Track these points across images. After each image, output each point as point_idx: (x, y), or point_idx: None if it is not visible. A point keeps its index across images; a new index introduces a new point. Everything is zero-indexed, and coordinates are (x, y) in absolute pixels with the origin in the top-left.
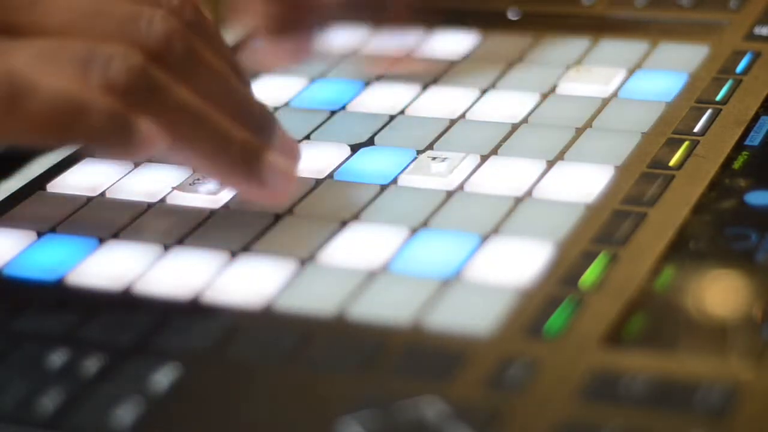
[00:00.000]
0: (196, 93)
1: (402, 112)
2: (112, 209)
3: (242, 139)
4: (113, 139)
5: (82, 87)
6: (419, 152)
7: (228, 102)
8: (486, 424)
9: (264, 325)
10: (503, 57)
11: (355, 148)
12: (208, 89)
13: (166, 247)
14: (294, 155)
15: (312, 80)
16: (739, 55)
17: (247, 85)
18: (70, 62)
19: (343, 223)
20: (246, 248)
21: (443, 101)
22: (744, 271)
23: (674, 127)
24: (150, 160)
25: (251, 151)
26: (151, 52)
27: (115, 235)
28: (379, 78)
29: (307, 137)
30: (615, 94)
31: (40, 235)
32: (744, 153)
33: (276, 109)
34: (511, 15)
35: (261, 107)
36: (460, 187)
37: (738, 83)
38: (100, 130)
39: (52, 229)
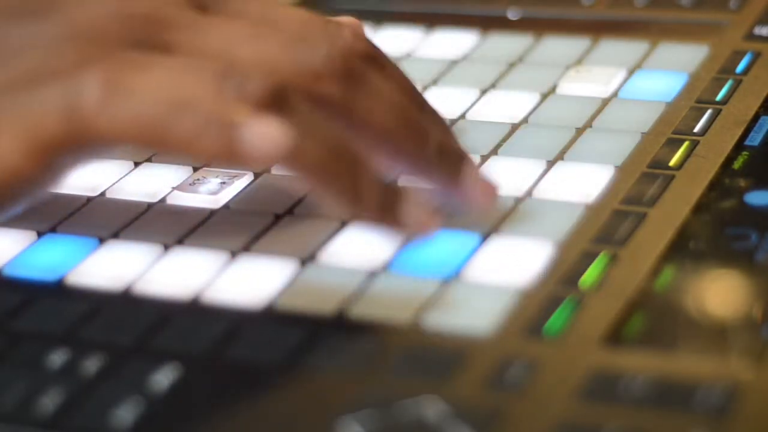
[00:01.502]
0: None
1: None
2: (112, 209)
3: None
4: (212, 147)
5: (186, 89)
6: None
7: (394, 118)
8: (486, 424)
9: (264, 325)
10: (503, 57)
11: None
12: (371, 108)
13: (166, 247)
14: (487, 196)
15: None
16: (739, 55)
17: (427, 113)
18: (207, 79)
19: (343, 223)
20: (246, 248)
21: (443, 101)
22: (744, 271)
23: (674, 127)
24: (150, 160)
25: (392, 190)
26: (310, 77)
27: (115, 235)
28: None
29: None
30: (615, 94)
31: (40, 235)
32: (744, 153)
33: None
34: (511, 15)
35: (451, 143)
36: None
37: (738, 83)
38: (196, 137)
39: (52, 229)
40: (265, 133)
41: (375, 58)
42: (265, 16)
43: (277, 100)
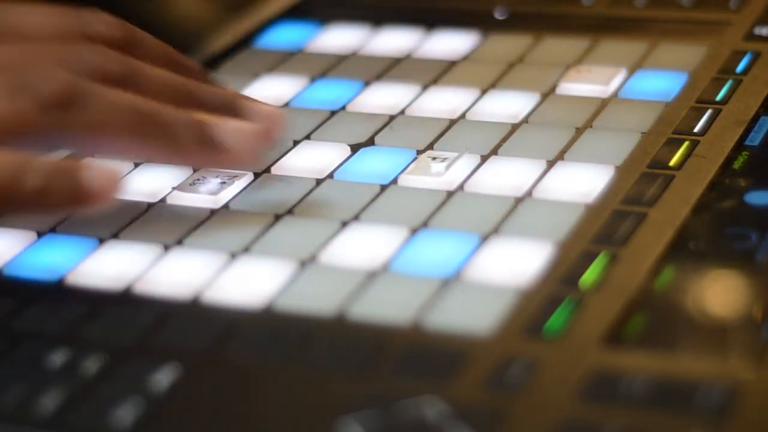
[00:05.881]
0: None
1: (402, 112)
2: (112, 209)
3: (183, 119)
4: (62, 197)
5: (18, 155)
6: (419, 152)
7: (172, 94)
8: (486, 424)
9: (264, 325)
10: (503, 57)
11: (355, 148)
12: (148, 90)
13: (166, 247)
14: (269, 118)
15: (312, 80)
16: (739, 55)
17: (197, 75)
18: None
19: (343, 223)
20: (246, 248)
21: (443, 101)
22: (744, 271)
23: (674, 127)
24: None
25: (196, 127)
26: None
27: (115, 235)
28: (379, 78)
29: (307, 137)
30: (615, 94)
31: (40, 235)
32: (744, 153)
33: None
34: (498, 14)
35: (214, 90)
36: (460, 187)
37: (738, 83)
38: (44, 194)
39: (52, 229)
40: (103, 172)
41: (133, 40)
42: (18, 27)
43: (70, 96)
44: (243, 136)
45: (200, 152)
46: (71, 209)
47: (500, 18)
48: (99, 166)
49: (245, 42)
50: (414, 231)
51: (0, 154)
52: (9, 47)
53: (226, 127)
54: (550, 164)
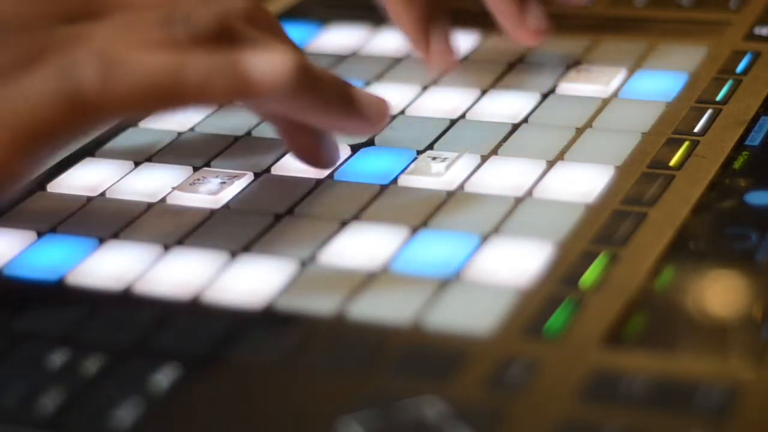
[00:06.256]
0: None
1: (402, 112)
2: (112, 209)
3: (334, 79)
4: (227, 87)
5: (176, 52)
6: (419, 152)
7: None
8: (486, 424)
9: (264, 325)
10: (503, 57)
11: (355, 148)
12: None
13: (166, 247)
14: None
15: None
16: (739, 55)
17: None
18: (152, 27)
19: (343, 223)
20: (246, 248)
21: (443, 101)
22: (744, 271)
23: (674, 127)
24: (150, 160)
25: (341, 85)
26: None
27: (115, 235)
28: (379, 78)
29: None
30: (615, 94)
31: (40, 235)
32: (744, 153)
33: None
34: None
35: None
36: (460, 187)
37: (738, 83)
38: (207, 85)
39: (52, 229)
40: (270, 57)
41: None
42: None
43: (226, 31)
44: (379, 104)
45: (341, 111)
46: (236, 99)
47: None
48: (260, 55)
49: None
50: (414, 231)
51: (158, 54)
52: None
53: (365, 94)
54: (550, 164)
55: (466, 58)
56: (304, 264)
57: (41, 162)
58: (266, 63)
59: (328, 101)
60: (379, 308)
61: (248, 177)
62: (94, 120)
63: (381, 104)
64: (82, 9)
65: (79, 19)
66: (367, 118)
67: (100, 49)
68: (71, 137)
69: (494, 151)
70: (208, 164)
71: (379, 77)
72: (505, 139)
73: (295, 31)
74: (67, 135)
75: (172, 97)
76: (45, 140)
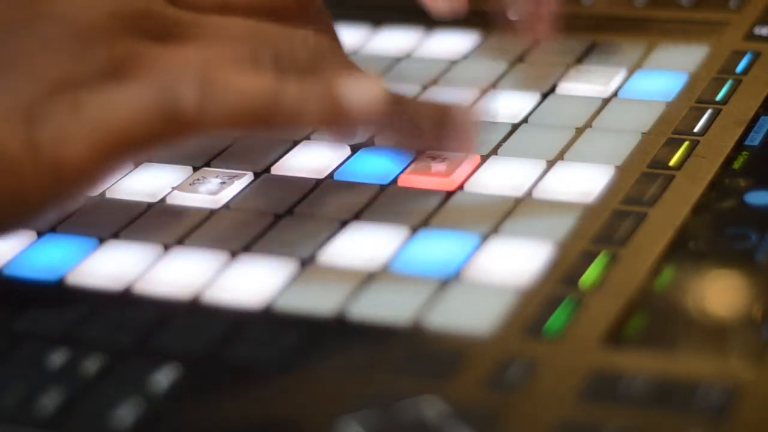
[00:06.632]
0: None
1: None
2: (112, 209)
3: (425, 105)
4: (317, 111)
5: (273, 79)
6: (419, 152)
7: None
8: (486, 424)
9: (264, 325)
10: (503, 57)
11: (355, 148)
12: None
13: (166, 247)
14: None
15: None
16: (739, 55)
17: None
18: (245, 58)
19: (343, 223)
20: (246, 248)
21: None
22: (744, 271)
23: (674, 127)
24: (150, 160)
25: (437, 111)
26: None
27: (115, 235)
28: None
29: (307, 137)
30: (615, 94)
31: (40, 235)
32: (744, 153)
33: None
34: (512, 15)
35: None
36: (460, 187)
37: (738, 83)
38: (300, 108)
39: (52, 229)
40: (363, 85)
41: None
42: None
43: (311, 65)
44: (470, 123)
45: (434, 137)
46: (329, 124)
47: (514, 19)
48: (353, 82)
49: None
50: (414, 231)
51: (256, 78)
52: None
53: (462, 115)
54: (550, 164)
55: (466, 58)
56: (304, 264)
57: (120, 170)
58: (359, 89)
59: (417, 127)
60: (379, 308)
61: (248, 177)
62: (186, 135)
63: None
64: (166, 30)
65: (162, 39)
66: (462, 142)
67: (200, 69)
68: (158, 149)
69: (494, 151)
70: (208, 164)
71: (379, 77)
72: (505, 139)
73: None
74: (155, 147)
75: (267, 120)
76: (132, 149)
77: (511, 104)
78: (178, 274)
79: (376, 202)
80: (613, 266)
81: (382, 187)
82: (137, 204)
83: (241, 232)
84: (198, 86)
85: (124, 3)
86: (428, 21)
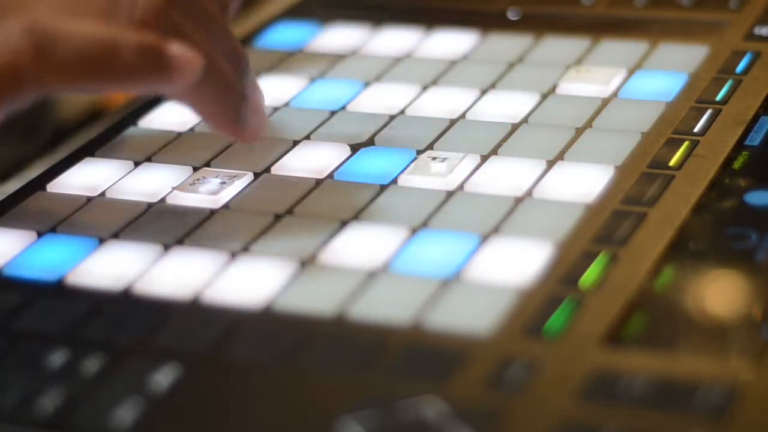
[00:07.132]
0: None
1: (402, 112)
2: (112, 209)
3: (237, 83)
4: (150, 70)
5: (110, 27)
6: (419, 152)
7: (225, 46)
8: (486, 424)
9: (264, 325)
10: (503, 57)
11: (355, 148)
12: (208, 32)
13: (166, 247)
14: (261, 92)
15: (312, 80)
16: (739, 55)
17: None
18: (95, 7)
19: (343, 223)
20: (246, 248)
21: (443, 101)
22: (744, 271)
23: (674, 127)
24: (150, 160)
25: (242, 95)
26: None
27: (115, 235)
28: (379, 78)
29: (307, 137)
30: (615, 94)
31: (40, 235)
32: (744, 153)
33: (276, 109)
34: (511, 15)
35: (243, 50)
36: (460, 187)
37: (738, 83)
38: (136, 65)
39: (52, 229)
40: (183, 52)
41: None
42: None
43: (163, 19)
44: (260, 119)
45: (232, 123)
46: (157, 84)
47: (513, 19)
48: (179, 47)
49: (245, 42)
50: (414, 231)
51: (93, 27)
52: None
53: (254, 108)
54: (550, 164)
55: (466, 58)
56: (304, 264)
57: None
58: (183, 55)
59: (217, 105)
60: (379, 308)
61: (248, 177)
62: (29, 90)
63: (262, 124)
64: None
65: None
66: (245, 134)
67: (36, 18)
68: (9, 108)
69: (494, 151)
70: (208, 164)
71: (379, 77)
72: (505, 139)
73: (295, 31)
74: (5, 106)
75: (102, 72)
76: None
77: (511, 104)
78: (178, 274)
79: (376, 202)
80: (613, 266)
81: (382, 187)
82: (137, 204)
83: (241, 232)
84: (32, 36)
85: None
86: (428, 21)
